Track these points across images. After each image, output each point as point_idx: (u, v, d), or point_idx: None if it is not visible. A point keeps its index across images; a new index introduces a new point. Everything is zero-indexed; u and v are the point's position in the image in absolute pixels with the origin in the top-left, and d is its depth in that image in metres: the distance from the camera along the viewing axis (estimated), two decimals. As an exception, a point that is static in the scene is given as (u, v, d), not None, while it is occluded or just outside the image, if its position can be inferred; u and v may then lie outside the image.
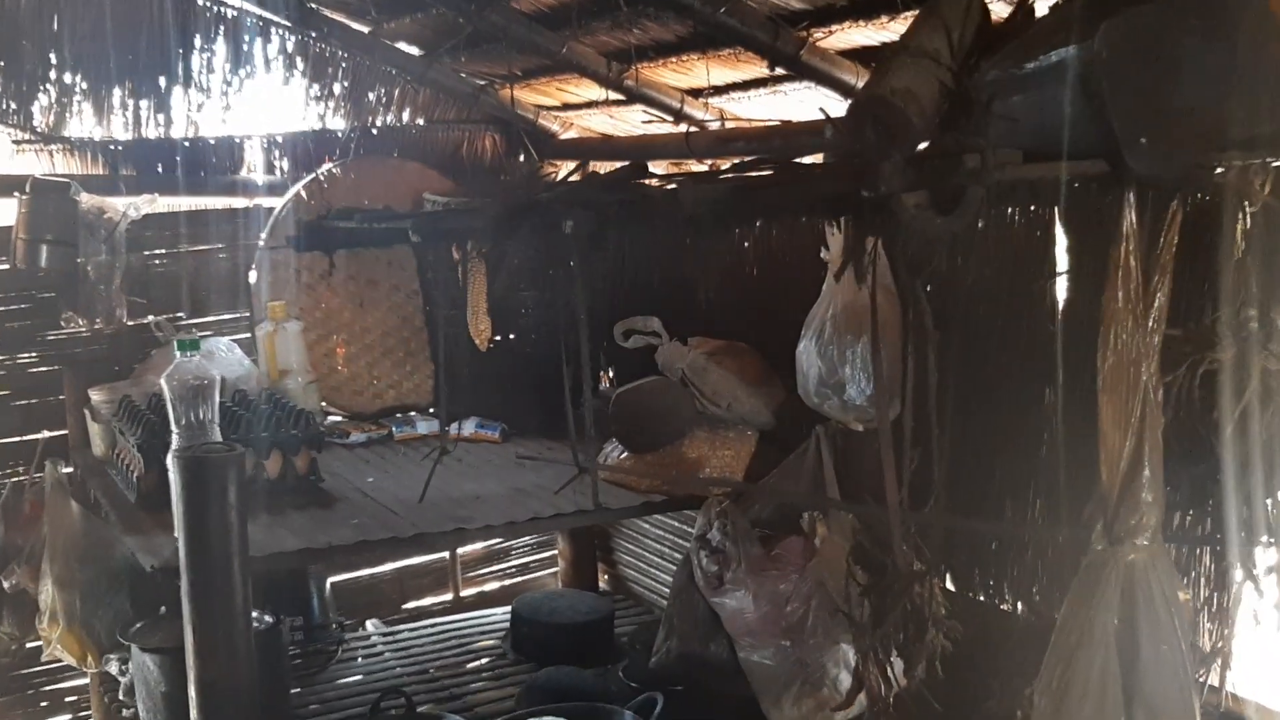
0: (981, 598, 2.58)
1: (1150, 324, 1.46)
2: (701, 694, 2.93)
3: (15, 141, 3.65)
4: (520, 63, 3.56)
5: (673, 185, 1.89)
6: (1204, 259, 1.72)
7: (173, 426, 2.56)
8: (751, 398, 3.07)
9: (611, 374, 3.95)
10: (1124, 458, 1.39)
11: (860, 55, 2.70)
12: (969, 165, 1.13)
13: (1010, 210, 2.38)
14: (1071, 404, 1.84)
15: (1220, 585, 2.15)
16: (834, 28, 2.56)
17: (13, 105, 3.61)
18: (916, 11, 2.24)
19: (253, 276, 3.77)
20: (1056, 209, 2.02)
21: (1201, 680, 2.14)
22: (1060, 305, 2.27)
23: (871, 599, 1.92)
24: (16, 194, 3.48)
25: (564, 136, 4.16)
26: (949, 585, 2.55)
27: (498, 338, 3.88)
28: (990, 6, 1.81)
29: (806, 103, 2.96)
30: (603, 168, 3.84)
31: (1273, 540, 1.91)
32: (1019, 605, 2.48)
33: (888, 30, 2.48)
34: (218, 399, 2.62)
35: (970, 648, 2.11)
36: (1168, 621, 1.41)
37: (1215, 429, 1.66)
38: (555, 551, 4.56)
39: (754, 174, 1.73)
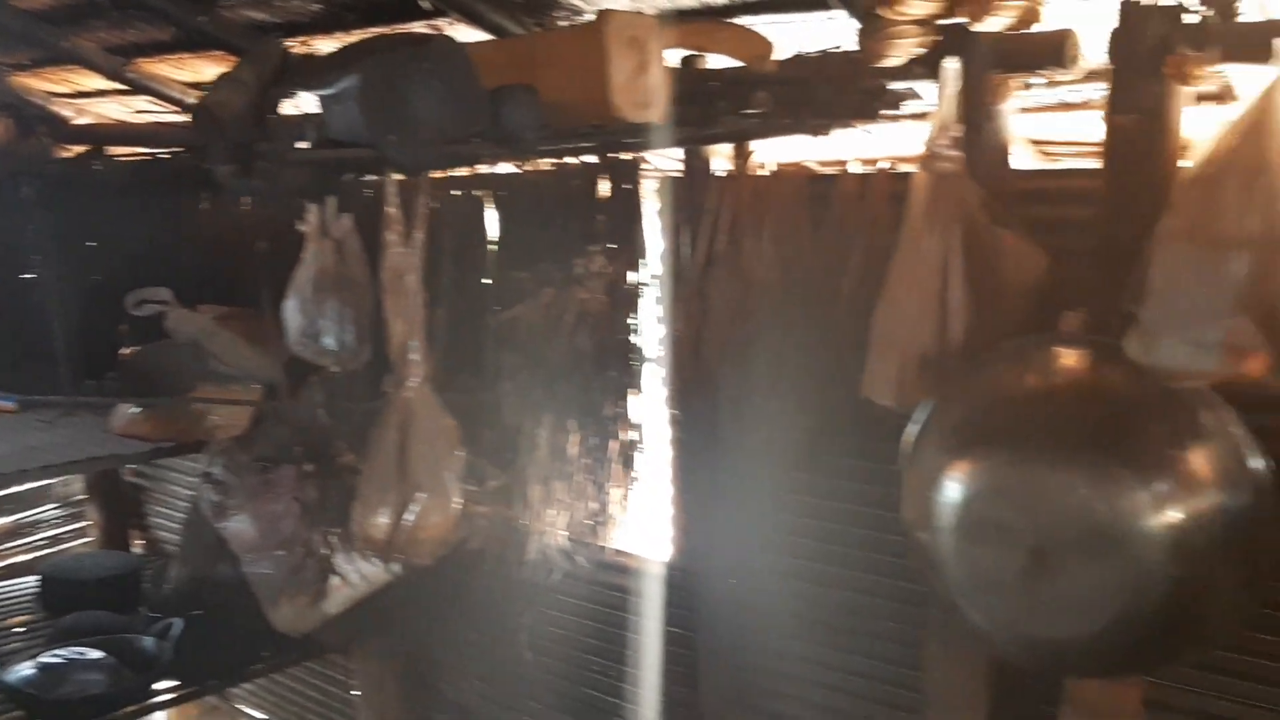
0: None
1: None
2: (220, 614, 3.37)
3: None
4: (28, 53, 3.77)
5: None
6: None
7: None
8: (256, 355, 3.52)
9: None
10: (399, 337, 2.08)
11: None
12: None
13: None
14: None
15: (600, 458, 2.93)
16: (304, 38, 3.08)
17: None
18: (370, 28, 2.86)
19: None
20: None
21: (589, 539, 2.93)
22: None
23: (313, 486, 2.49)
24: None
25: (78, 122, 4.37)
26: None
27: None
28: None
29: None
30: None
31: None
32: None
33: (350, 38, 3.04)
34: None
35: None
36: (433, 437, 2.10)
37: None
38: (89, 522, 4.73)
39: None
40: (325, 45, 3.12)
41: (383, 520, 2.06)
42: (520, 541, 3.00)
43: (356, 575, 3.00)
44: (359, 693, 4.00)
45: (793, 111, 2.19)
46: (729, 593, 3.01)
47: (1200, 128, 2.01)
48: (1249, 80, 1.88)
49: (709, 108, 2.27)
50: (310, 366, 3.32)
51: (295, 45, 3.13)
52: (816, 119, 2.20)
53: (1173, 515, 1.91)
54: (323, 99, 1.89)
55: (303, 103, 2.65)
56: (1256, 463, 1.96)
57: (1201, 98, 2.10)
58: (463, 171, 2.97)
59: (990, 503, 2.03)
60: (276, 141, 1.95)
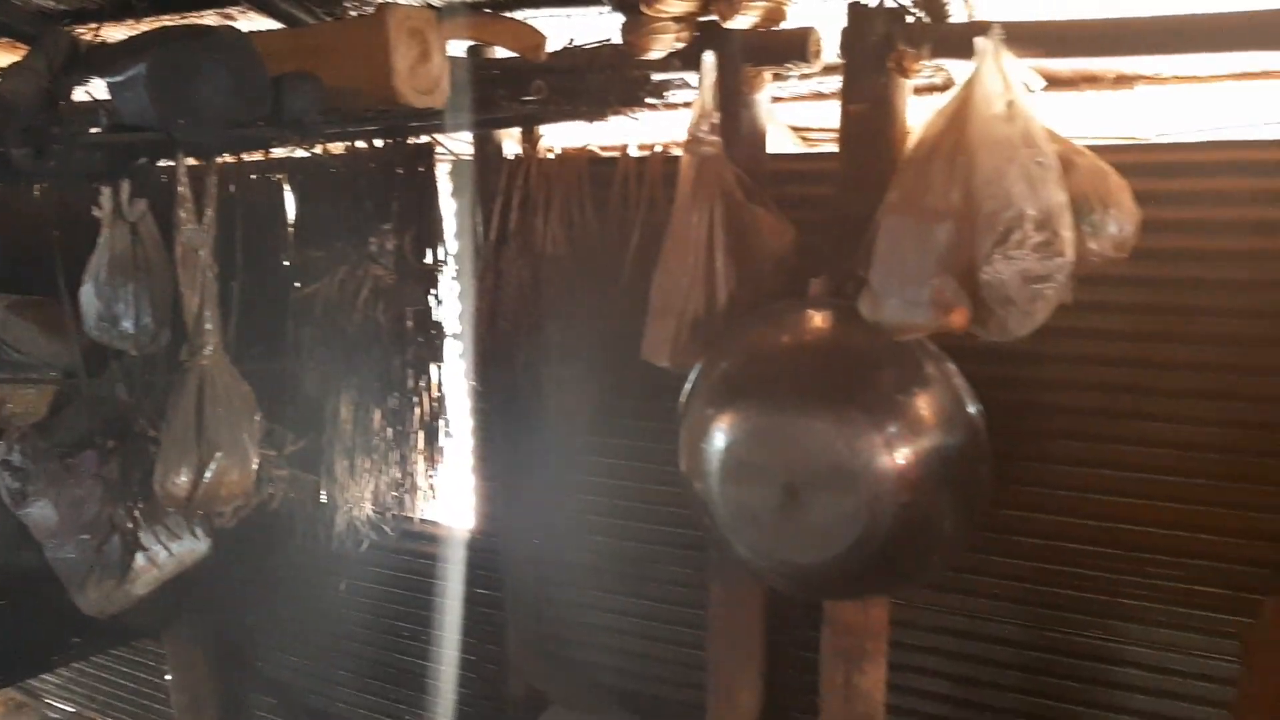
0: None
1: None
2: (23, 603, 3.36)
3: None
4: None
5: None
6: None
7: None
8: (52, 343, 3.50)
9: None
10: (193, 309, 2.20)
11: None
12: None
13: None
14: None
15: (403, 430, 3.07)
16: (94, 26, 3.09)
17: None
18: (161, 16, 2.90)
19: None
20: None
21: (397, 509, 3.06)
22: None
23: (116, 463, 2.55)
24: None
25: None
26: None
27: None
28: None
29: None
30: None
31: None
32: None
33: (138, 28, 3.07)
34: None
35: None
36: (230, 401, 2.23)
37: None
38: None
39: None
40: (115, 33, 3.13)
41: (183, 479, 2.15)
42: (328, 514, 3.11)
43: (164, 554, 3.05)
44: (171, 676, 4.02)
45: (567, 98, 2.38)
46: (532, 553, 3.20)
47: (921, 115, 2.30)
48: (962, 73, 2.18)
49: (490, 95, 2.45)
50: (110, 351, 3.33)
51: (86, 33, 3.14)
52: (589, 105, 2.40)
53: (901, 452, 2.20)
54: (113, 85, 1.96)
55: (95, 89, 2.69)
56: (972, 407, 2.27)
57: (921, 89, 2.40)
58: (263, 155, 3.06)
59: (749, 447, 2.28)
60: (69, 126, 2.01)
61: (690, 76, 2.53)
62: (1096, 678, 2.47)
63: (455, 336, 3.11)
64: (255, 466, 2.21)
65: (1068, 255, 1.95)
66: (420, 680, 3.49)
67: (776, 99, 2.73)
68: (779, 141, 2.88)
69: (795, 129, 3.08)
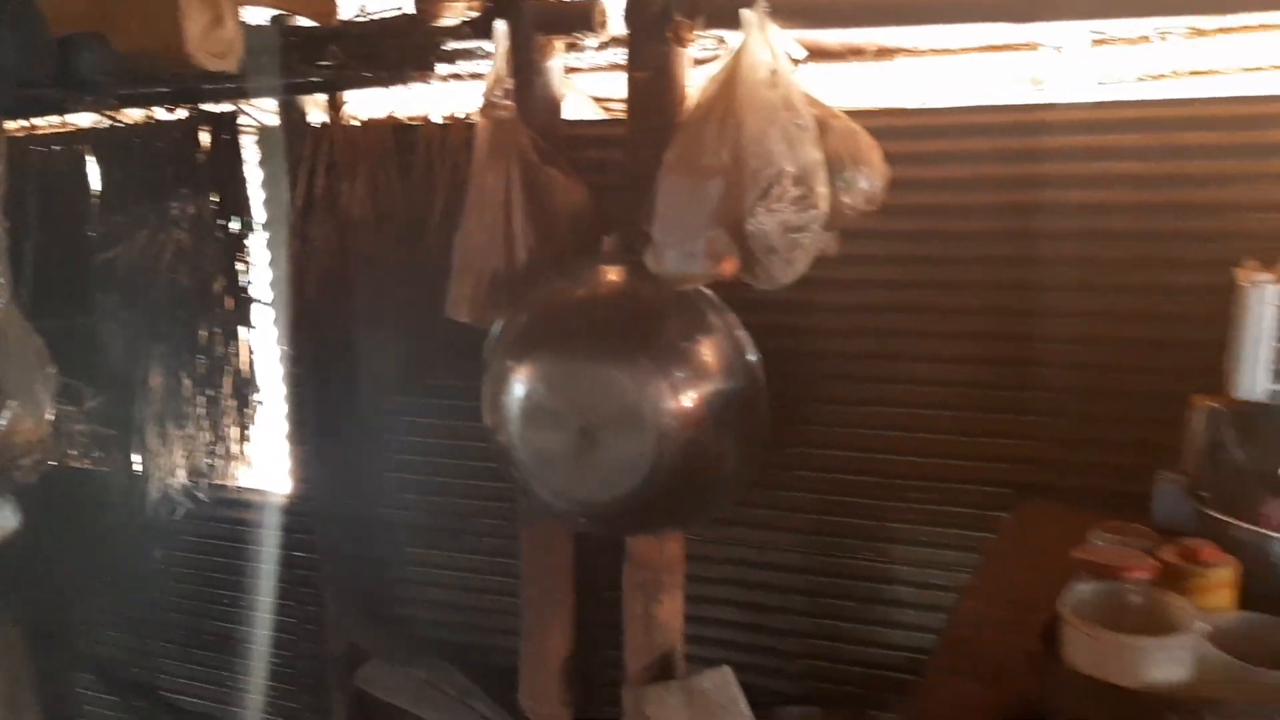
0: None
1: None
2: None
3: None
4: None
5: None
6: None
7: None
8: None
9: None
10: None
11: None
12: None
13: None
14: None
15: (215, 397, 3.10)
16: None
17: None
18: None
19: None
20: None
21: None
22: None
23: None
24: None
25: None
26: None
27: None
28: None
29: None
30: None
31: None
32: None
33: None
34: None
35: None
36: (22, 353, 2.26)
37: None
38: None
39: None
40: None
41: (-26, 430, 2.16)
42: (141, 483, 3.12)
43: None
44: (-16, 660, 3.92)
45: (364, 65, 2.47)
46: (348, 513, 3.27)
47: (698, 82, 2.48)
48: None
49: (289, 61, 2.51)
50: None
51: None
52: (385, 72, 2.49)
53: (686, 395, 2.37)
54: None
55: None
56: (752, 355, 2.47)
57: (699, 60, 2.58)
58: (64, 125, 3.03)
59: (547, 394, 2.42)
60: None
61: (486, 45, 2.65)
62: (870, 596, 2.71)
63: (264, 302, 3.15)
64: (50, 418, 2.22)
65: (821, 208, 2.16)
66: (241, 645, 3.52)
67: (576, 69, 2.87)
68: (580, 110, 3.02)
69: (597, 99, 3.22)
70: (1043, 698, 1.35)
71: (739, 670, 2.67)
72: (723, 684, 2.63)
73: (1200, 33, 2.41)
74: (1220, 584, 1.42)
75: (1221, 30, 2.40)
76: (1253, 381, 1.85)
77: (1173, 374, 2.25)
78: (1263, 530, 1.56)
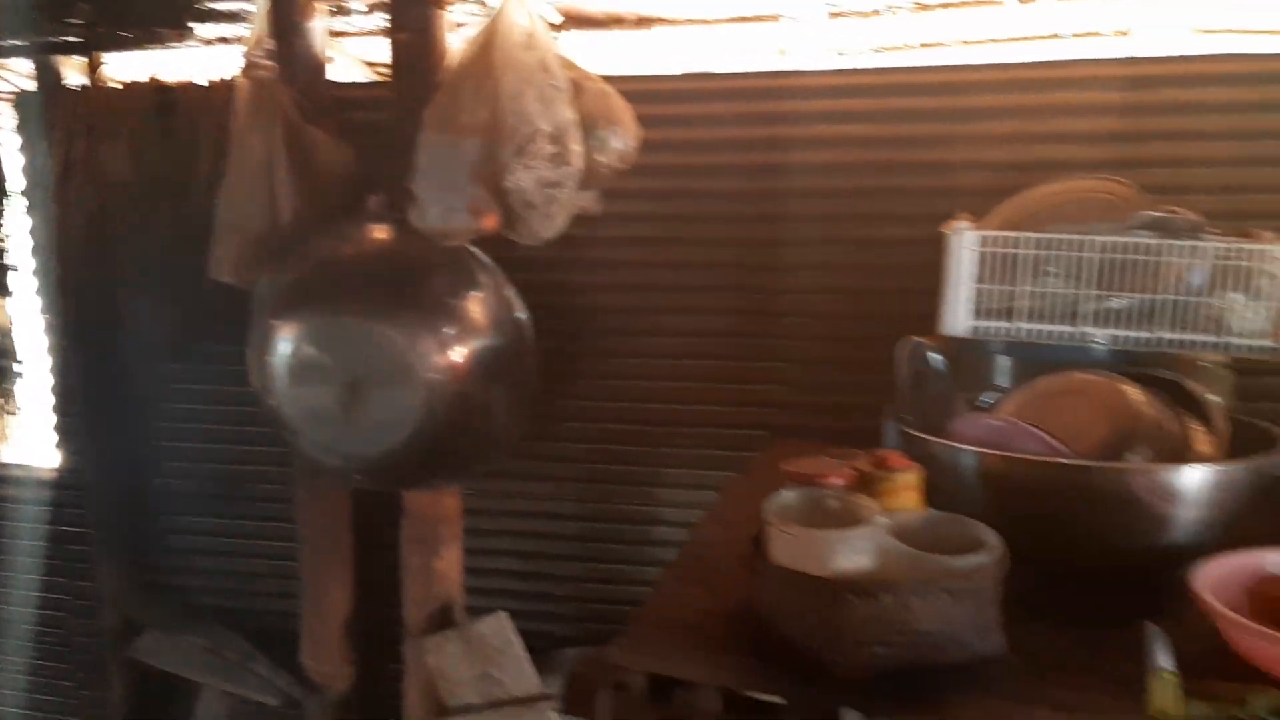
0: None
1: None
2: None
3: None
4: None
5: None
6: None
7: None
8: None
9: None
10: None
11: None
12: None
13: None
14: None
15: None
16: None
17: None
18: None
19: None
20: None
21: None
22: None
23: None
24: None
25: None
26: None
27: None
28: None
29: None
30: None
31: None
32: None
33: None
34: None
35: None
36: None
37: None
38: None
39: None
40: None
41: None
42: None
43: None
44: None
45: (114, 24, 2.42)
46: (120, 484, 3.20)
47: (458, 44, 2.55)
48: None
49: (37, 20, 2.44)
50: None
51: None
52: (138, 31, 2.46)
53: (454, 350, 2.45)
54: None
55: None
56: (520, 311, 2.56)
57: (460, 23, 2.65)
58: None
59: (313, 350, 2.44)
60: None
61: (249, 7, 2.64)
62: (639, 538, 2.86)
63: (25, 269, 3.04)
64: None
65: (576, 165, 2.27)
66: (11, 627, 3.40)
67: (347, 33, 2.89)
68: (350, 73, 3.04)
69: (368, 63, 3.24)
70: (751, 593, 1.49)
71: (518, 617, 2.76)
72: (499, 629, 2.72)
73: (925, 7, 2.64)
74: (906, 487, 1.60)
75: (944, 5, 2.64)
76: (955, 319, 2.05)
77: (900, 320, 2.46)
78: (949, 443, 1.75)
